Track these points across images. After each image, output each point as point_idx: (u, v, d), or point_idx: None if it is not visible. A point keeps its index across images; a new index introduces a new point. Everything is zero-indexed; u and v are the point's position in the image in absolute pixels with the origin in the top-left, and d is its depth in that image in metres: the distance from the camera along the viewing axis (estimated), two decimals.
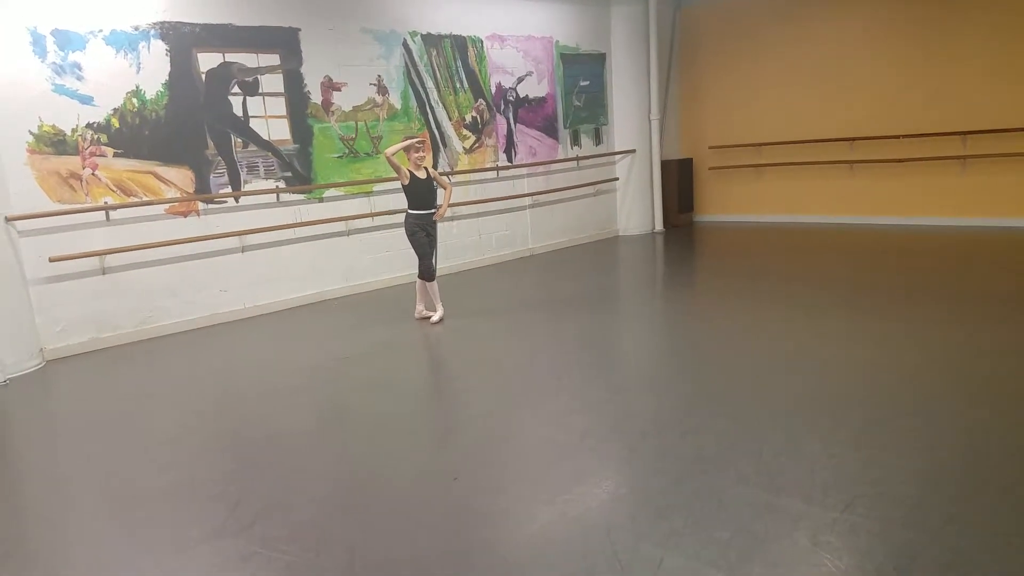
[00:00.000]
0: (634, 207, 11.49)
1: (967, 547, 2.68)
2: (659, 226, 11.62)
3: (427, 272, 6.51)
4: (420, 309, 6.76)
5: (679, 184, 11.83)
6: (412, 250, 6.54)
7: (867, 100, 10.17)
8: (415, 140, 6.38)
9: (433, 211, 6.49)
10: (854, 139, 10.33)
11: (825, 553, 2.69)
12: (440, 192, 6.60)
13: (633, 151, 11.24)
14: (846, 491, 3.12)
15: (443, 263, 8.94)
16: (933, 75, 9.61)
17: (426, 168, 6.48)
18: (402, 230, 8.46)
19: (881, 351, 5.01)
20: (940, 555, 2.64)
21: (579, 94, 10.72)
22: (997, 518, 2.86)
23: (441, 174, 7.90)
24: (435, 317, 6.61)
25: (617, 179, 11.37)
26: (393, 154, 6.21)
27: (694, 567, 2.66)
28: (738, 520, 2.95)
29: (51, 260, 6.11)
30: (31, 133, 6.01)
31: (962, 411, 3.93)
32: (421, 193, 6.39)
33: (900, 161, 10.01)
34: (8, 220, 5.80)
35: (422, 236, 6.45)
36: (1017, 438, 3.55)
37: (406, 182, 6.34)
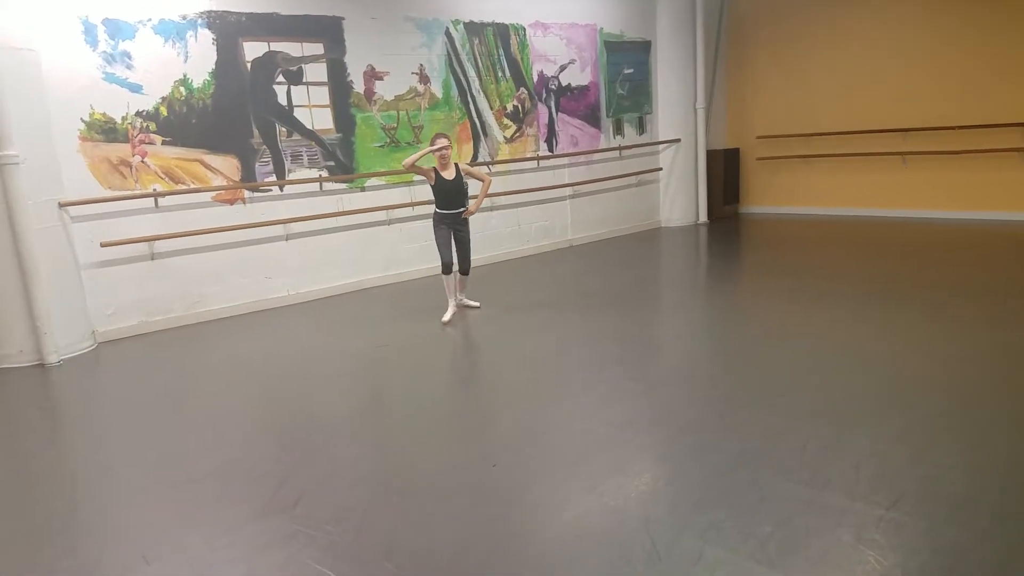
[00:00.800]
0: (677, 198, 11.33)
1: (1016, 546, 2.60)
2: (703, 218, 11.45)
3: (446, 264, 6.37)
4: (460, 299, 6.68)
5: (725, 174, 11.62)
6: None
7: (923, 89, 9.84)
8: (435, 149, 6.10)
9: (461, 210, 6.31)
10: (908, 130, 10.02)
11: (869, 550, 2.62)
12: (474, 186, 6.54)
13: (678, 140, 11.09)
14: (892, 488, 3.04)
15: (481, 253, 8.96)
16: (993, 62, 9.26)
17: (456, 165, 6.28)
18: None
19: (929, 348, 4.88)
20: (988, 554, 2.56)
21: (623, 82, 10.60)
22: None
23: (479, 164, 7.78)
24: (448, 316, 6.39)
25: (660, 169, 11.23)
26: (413, 163, 6.04)
27: (734, 560, 2.61)
28: (780, 515, 2.89)
29: (102, 245, 6.27)
30: (83, 121, 6.15)
31: (1011, 409, 3.81)
32: (447, 192, 6.23)
33: (957, 153, 9.68)
34: (61, 206, 5.96)
35: (444, 231, 6.31)
36: None
37: (432, 183, 6.23)
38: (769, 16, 11.25)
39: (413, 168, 6.09)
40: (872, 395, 4.12)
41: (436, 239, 6.36)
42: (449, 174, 6.22)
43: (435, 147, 6.08)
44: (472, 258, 6.63)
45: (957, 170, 9.79)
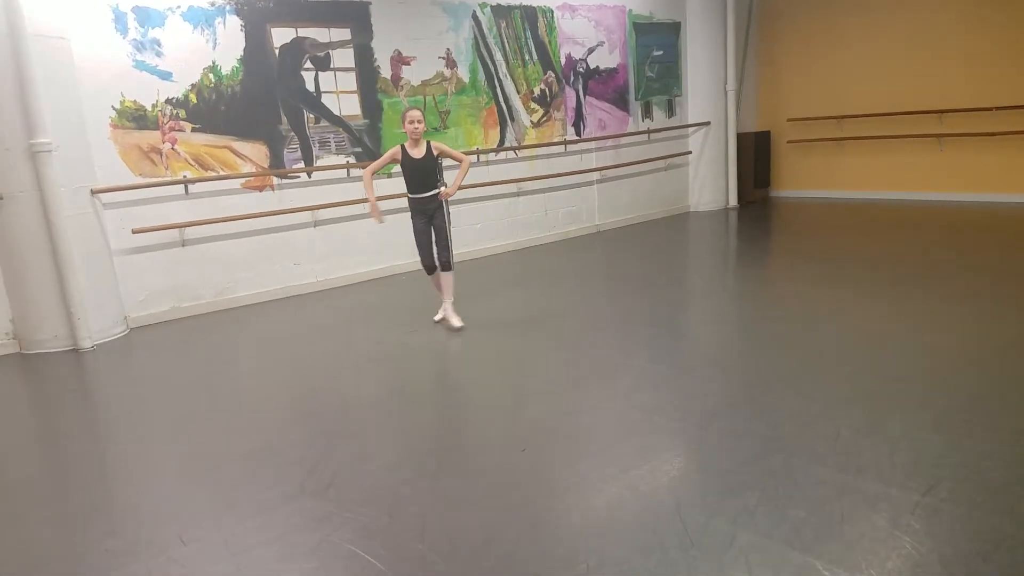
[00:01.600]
0: (707, 182, 11.20)
1: None
2: (733, 202, 11.31)
3: (426, 265, 5.77)
4: (444, 309, 5.87)
5: (755, 158, 11.46)
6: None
7: (958, 70, 9.61)
8: (404, 108, 5.43)
9: (433, 193, 5.56)
10: (944, 111, 9.78)
11: (905, 536, 2.57)
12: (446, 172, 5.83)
13: (708, 123, 10.94)
14: (928, 474, 2.97)
15: (508, 239, 8.93)
16: None
17: (428, 143, 5.56)
18: (466, 207, 8.53)
19: (966, 333, 4.78)
20: None
21: (652, 64, 10.47)
22: None
23: (505, 148, 7.46)
24: (439, 315, 5.90)
25: (690, 153, 11.09)
26: (373, 172, 5.53)
27: (767, 545, 2.57)
28: (813, 500, 2.85)
29: (134, 232, 6.35)
30: (114, 108, 6.22)
31: None
32: (415, 172, 5.52)
33: (993, 135, 9.44)
34: (93, 193, 6.04)
35: (420, 222, 5.61)
36: None
37: (399, 160, 5.52)
38: None
39: (371, 175, 5.52)
40: (906, 380, 4.03)
41: (415, 235, 5.68)
42: (418, 152, 5.48)
43: (405, 121, 5.42)
44: (454, 251, 5.83)
45: (993, 152, 9.57)
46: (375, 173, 5.61)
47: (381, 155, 7.62)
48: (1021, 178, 9.40)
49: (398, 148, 5.55)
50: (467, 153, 8.40)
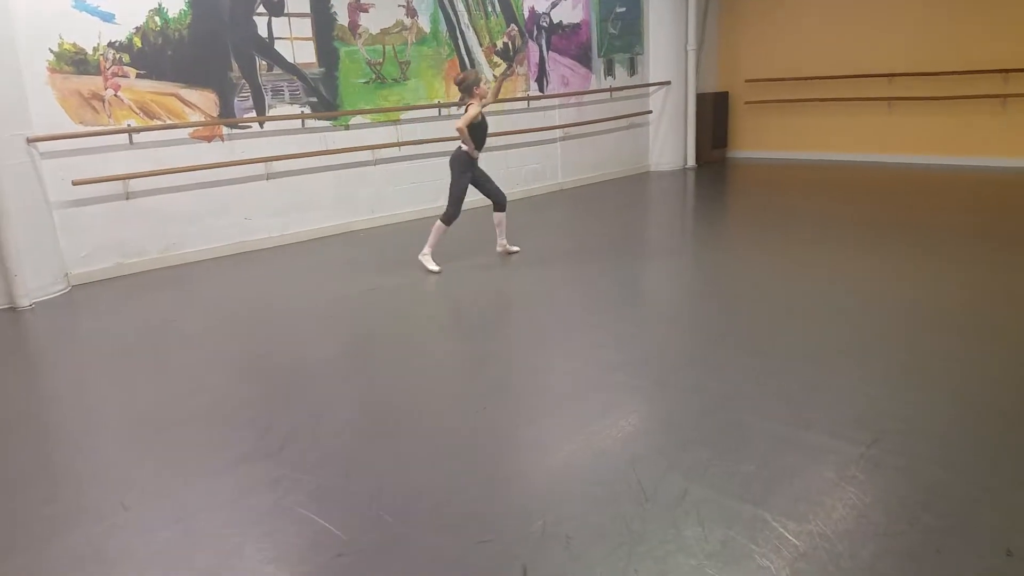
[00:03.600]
0: (667, 142, 11.18)
1: (995, 485, 2.61)
2: (691, 162, 11.32)
3: (453, 218, 6.04)
4: (503, 244, 6.40)
5: (714, 119, 11.48)
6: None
7: (907, 35, 9.80)
8: (473, 75, 5.88)
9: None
10: (892, 75, 9.94)
11: (850, 487, 2.62)
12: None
13: (668, 83, 10.87)
14: (873, 427, 3.04)
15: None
16: (975, 10, 9.20)
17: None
18: (427, 161, 8.38)
19: (913, 290, 4.88)
20: (967, 492, 2.57)
21: (615, 21, 10.33)
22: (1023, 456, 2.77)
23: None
24: (502, 246, 6.39)
25: (651, 112, 11.04)
26: (468, 124, 5.73)
27: (719, 499, 2.60)
28: (764, 454, 2.88)
29: (74, 183, 6.06)
30: (51, 51, 5.90)
31: (995, 351, 3.81)
32: (484, 132, 5.95)
33: (938, 99, 9.63)
34: (30, 141, 5.72)
35: (467, 180, 5.97)
36: None
37: (479, 120, 5.83)
38: None
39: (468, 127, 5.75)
40: (855, 336, 4.12)
41: (459, 192, 5.94)
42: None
43: (484, 82, 5.89)
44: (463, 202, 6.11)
45: (939, 115, 9.80)
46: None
47: (340, 106, 7.52)
48: (963, 141, 9.63)
49: (479, 110, 5.78)
50: (428, 106, 8.28)
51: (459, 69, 8.58)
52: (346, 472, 2.99)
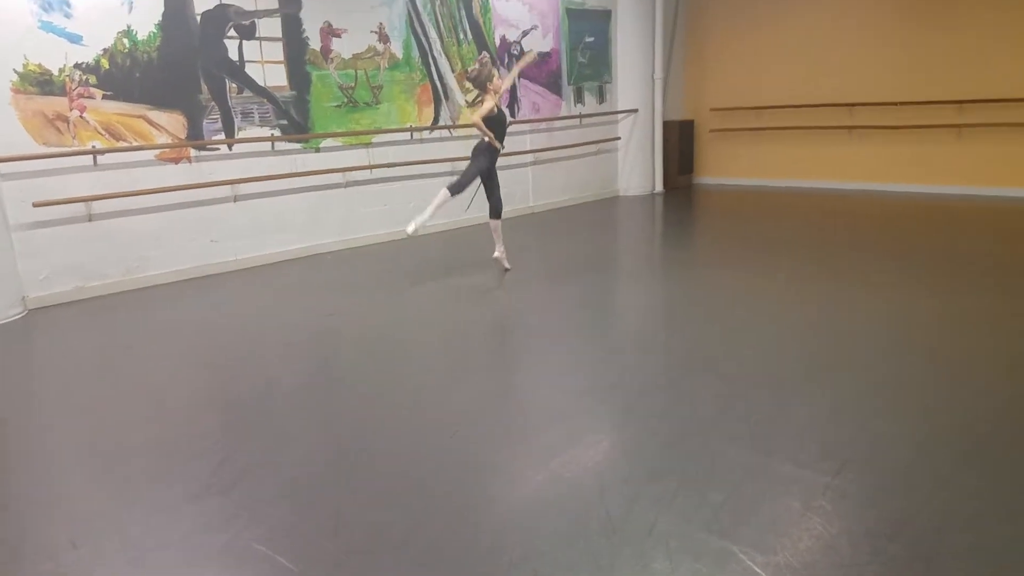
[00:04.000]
0: (635, 167, 11.33)
1: (957, 513, 2.64)
2: (659, 187, 11.48)
3: (460, 190, 6.13)
4: (498, 253, 6.52)
5: (680, 145, 11.68)
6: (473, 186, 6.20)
7: (868, 65, 10.07)
8: (487, 70, 6.05)
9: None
10: (853, 104, 10.20)
11: (816, 517, 2.64)
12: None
13: (635, 111, 11.04)
14: (838, 456, 3.07)
15: (440, 219, 8.78)
16: (931, 43, 9.52)
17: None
18: (398, 184, 8.40)
19: (877, 318, 4.95)
20: (930, 521, 2.60)
21: (584, 50, 10.48)
22: (988, 486, 2.82)
23: (441, 128, 7.69)
24: (499, 253, 6.51)
25: (619, 138, 11.18)
26: (484, 118, 5.96)
27: (687, 530, 2.60)
28: (731, 483, 2.90)
29: (35, 205, 5.92)
30: (15, 72, 5.80)
31: (955, 378, 3.89)
32: (503, 127, 6.15)
33: (897, 128, 9.92)
34: None
35: (487, 166, 6.15)
36: (1010, 406, 3.51)
37: (495, 114, 6.04)
38: None
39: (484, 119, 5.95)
40: (819, 362, 4.17)
41: (476, 171, 6.09)
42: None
43: (497, 77, 6.09)
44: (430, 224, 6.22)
45: (898, 144, 10.08)
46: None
47: (311, 129, 7.50)
48: (921, 169, 9.92)
49: (493, 105, 5.97)
50: (400, 130, 8.30)
51: (431, 95, 8.63)
52: (306, 505, 2.93)
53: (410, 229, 6.00)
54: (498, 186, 6.34)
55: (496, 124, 6.04)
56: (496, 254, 6.49)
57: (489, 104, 5.96)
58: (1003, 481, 2.85)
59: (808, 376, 3.98)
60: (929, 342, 4.46)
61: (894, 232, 7.71)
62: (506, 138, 6.23)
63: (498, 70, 9.18)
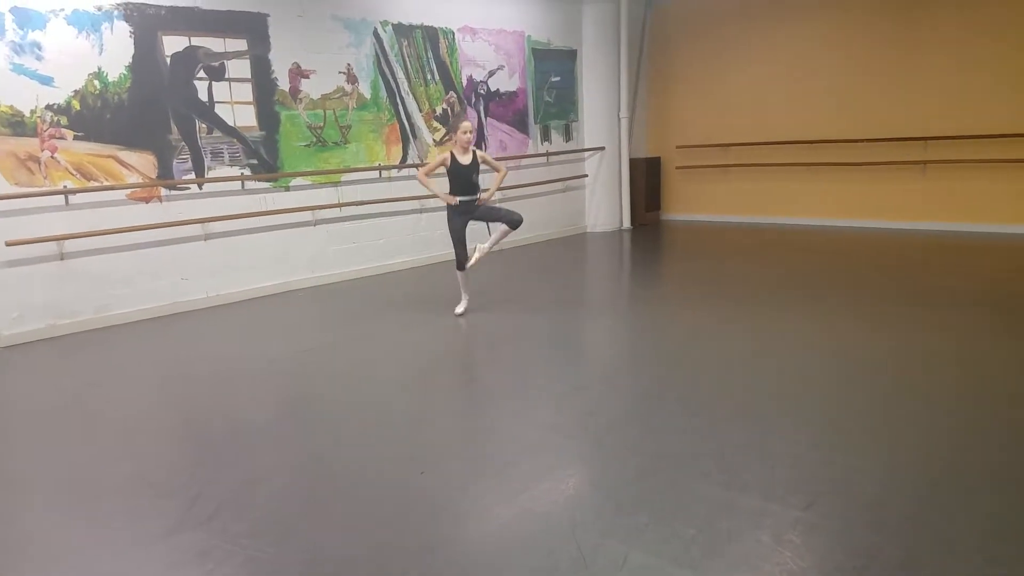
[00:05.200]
0: (602, 204, 11.53)
1: (923, 547, 2.73)
2: (627, 223, 11.68)
3: (460, 262, 6.28)
4: (482, 246, 6.44)
5: (647, 182, 11.89)
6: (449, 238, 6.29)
7: (830, 103, 10.33)
8: (457, 120, 6.14)
9: (474, 198, 6.15)
10: (816, 142, 10.48)
11: (787, 551, 2.72)
12: (485, 175, 6.39)
13: (602, 148, 11.27)
14: (807, 490, 3.15)
15: (408, 255, 8.91)
16: (895, 80, 9.79)
17: (474, 151, 6.15)
18: (368, 222, 8.50)
19: (843, 351, 5.08)
20: (897, 555, 2.68)
21: (550, 90, 10.72)
22: (954, 519, 2.91)
23: (412, 165, 7.75)
24: (459, 308, 6.45)
25: (586, 176, 11.39)
26: (429, 172, 6.12)
27: (658, 564, 2.67)
28: (702, 517, 2.97)
29: (7, 244, 5.93)
30: None
31: (921, 412, 4.00)
32: (463, 178, 6.07)
33: (861, 165, 10.18)
34: None
35: (458, 223, 6.18)
36: (977, 439, 3.63)
37: (447, 167, 6.08)
38: (690, 29, 11.58)
39: (427, 177, 6.08)
40: (785, 397, 4.27)
41: (451, 234, 6.23)
42: (467, 159, 6.08)
43: (459, 130, 6.05)
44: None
45: (862, 181, 10.32)
46: (430, 173, 6.17)
47: (280, 168, 7.57)
48: (885, 205, 10.17)
49: (448, 154, 6.07)
50: (369, 168, 8.40)
51: (399, 134, 8.76)
52: (278, 541, 2.96)
53: (459, 310, 6.37)
54: (495, 213, 6.29)
55: (452, 176, 6.11)
56: (476, 250, 6.41)
57: (440, 156, 6.13)
58: (971, 514, 2.93)
59: (777, 410, 4.07)
60: (895, 376, 4.58)
61: (859, 268, 7.90)
62: (443, 179, 6.23)
63: (464, 109, 9.39)
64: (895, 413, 4.00)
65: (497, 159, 9.81)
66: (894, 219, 10.14)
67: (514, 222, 6.21)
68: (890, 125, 9.85)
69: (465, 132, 6.03)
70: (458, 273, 6.39)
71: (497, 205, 6.35)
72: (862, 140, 10.08)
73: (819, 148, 10.52)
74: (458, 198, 6.09)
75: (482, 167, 6.20)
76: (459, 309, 6.42)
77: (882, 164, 10.05)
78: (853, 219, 10.48)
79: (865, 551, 2.71)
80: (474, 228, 6.39)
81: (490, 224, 6.42)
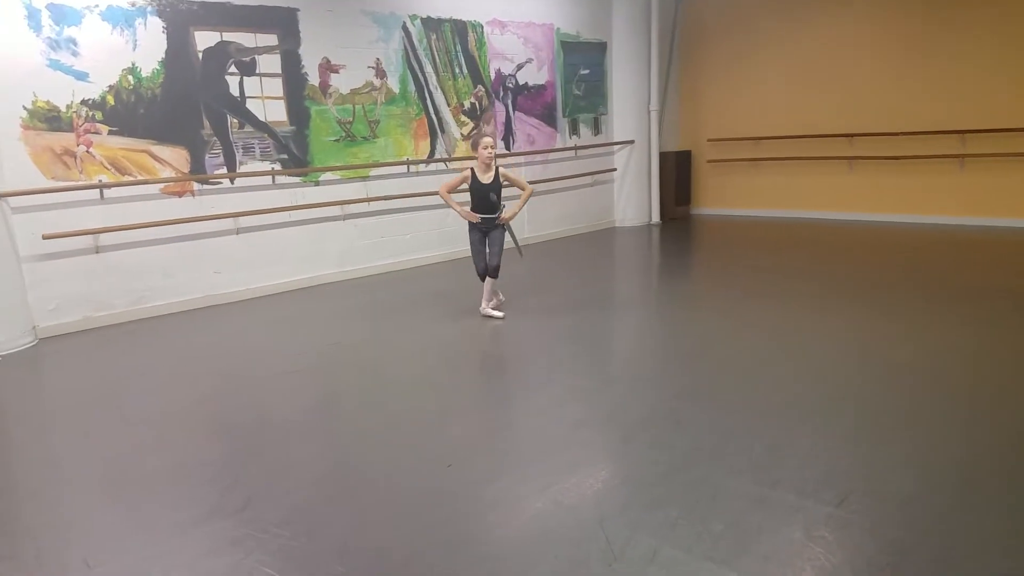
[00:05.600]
0: (631, 198, 11.45)
1: (956, 544, 2.68)
2: (656, 218, 11.59)
3: (479, 273, 6.12)
4: (483, 308, 6.24)
5: (677, 176, 11.79)
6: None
7: (867, 96, 10.14)
8: (478, 135, 5.97)
9: (495, 216, 5.98)
10: (853, 135, 10.29)
11: (818, 547, 2.68)
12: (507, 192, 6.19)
13: (632, 142, 11.19)
14: (840, 486, 3.11)
15: (437, 250, 8.93)
16: (933, 73, 9.59)
17: (498, 168, 5.98)
18: (395, 216, 8.53)
19: (877, 347, 5.01)
20: (931, 552, 2.64)
21: (579, 83, 10.66)
22: (988, 517, 2.85)
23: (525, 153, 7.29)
24: (491, 310, 6.21)
25: (615, 170, 11.33)
26: (449, 190, 5.97)
27: (688, 559, 2.65)
28: (732, 512, 2.94)
29: (44, 237, 6.06)
30: (25, 108, 5.94)
31: (956, 410, 3.93)
32: (482, 197, 5.91)
33: (898, 159, 9.99)
34: (1, 196, 5.73)
35: (476, 236, 6.05)
36: (1011, 437, 3.55)
37: (468, 184, 5.94)
38: (721, 22, 11.45)
39: (449, 193, 5.95)
40: (821, 393, 4.21)
41: (470, 245, 6.14)
42: (488, 177, 5.90)
43: (480, 147, 5.86)
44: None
45: (899, 175, 10.11)
46: (452, 190, 6.00)
47: (310, 163, 7.63)
48: (922, 200, 9.97)
49: (469, 171, 5.91)
50: (397, 163, 8.42)
51: (427, 128, 8.77)
52: (309, 531, 2.99)
53: (495, 313, 6.18)
54: (496, 249, 6.06)
55: (473, 193, 5.97)
56: (482, 308, 6.24)
57: (462, 174, 5.99)
58: (1006, 512, 2.88)
59: (810, 406, 4.02)
60: (932, 372, 4.51)
61: (895, 263, 7.78)
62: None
63: (492, 103, 9.37)
64: (929, 410, 3.93)
65: (526, 152, 9.87)
66: (931, 214, 9.94)
67: (494, 268, 6.08)
68: (927, 118, 9.66)
69: (486, 148, 5.81)
70: (481, 282, 6.22)
71: (508, 233, 6.23)
72: (898, 134, 9.89)
73: (854, 142, 10.35)
74: (479, 216, 5.98)
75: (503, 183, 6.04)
76: (492, 310, 6.21)
77: (918, 158, 9.85)
78: (888, 214, 10.28)
79: (897, 547, 2.67)
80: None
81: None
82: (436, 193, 8.62)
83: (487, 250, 6.07)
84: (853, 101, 10.26)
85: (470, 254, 6.22)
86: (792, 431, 3.70)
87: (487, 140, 5.87)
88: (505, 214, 6.05)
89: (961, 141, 9.50)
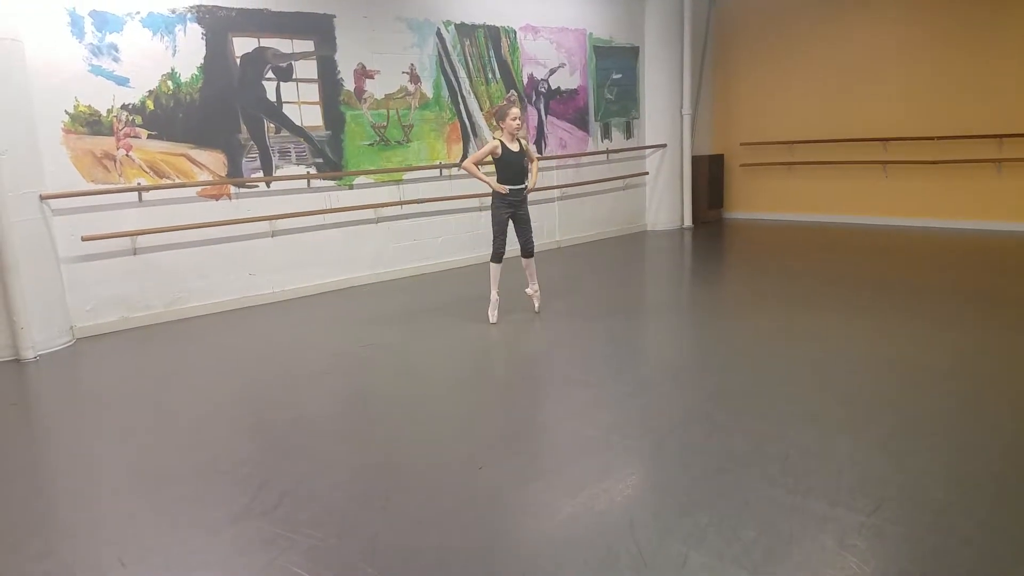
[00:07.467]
0: (663, 202, 11.39)
1: (996, 555, 2.63)
2: (688, 222, 11.52)
3: (496, 254, 6.09)
4: (531, 288, 6.38)
5: (709, 180, 11.71)
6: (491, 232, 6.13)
7: (902, 100, 10.00)
8: (506, 106, 5.90)
9: (523, 186, 5.99)
10: (888, 139, 10.14)
11: (851, 556, 2.64)
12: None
13: (664, 146, 11.14)
14: (874, 494, 3.06)
15: (470, 253, 8.95)
16: (970, 76, 9.44)
17: (520, 140, 5.98)
18: (428, 219, 8.58)
19: (912, 354, 4.92)
20: (967, 562, 2.59)
21: (611, 87, 10.64)
22: None
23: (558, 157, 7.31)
24: (530, 290, 6.38)
25: (647, 173, 11.28)
26: (475, 163, 5.95)
27: (718, 566, 2.62)
28: (764, 520, 2.91)
29: (83, 239, 6.20)
30: (67, 113, 6.08)
31: (992, 418, 3.85)
32: (513, 166, 5.91)
33: (934, 163, 9.82)
34: (42, 198, 5.88)
35: (504, 215, 6.00)
36: None
37: (498, 156, 5.88)
38: (754, 26, 11.35)
39: (475, 166, 5.92)
40: (854, 400, 4.15)
41: (494, 225, 6.06)
42: (515, 147, 5.93)
43: (508, 117, 5.83)
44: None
45: (935, 179, 9.96)
46: (478, 162, 6.01)
47: (344, 167, 7.70)
48: (959, 205, 9.80)
49: (497, 143, 5.89)
50: (429, 167, 8.48)
51: (460, 133, 8.81)
52: (340, 532, 3.01)
53: (492, 319, 6.16)
54: (528, 227, 6.16)
55: (503, 165, 5.93)
56: (528, 290, 6.41)
57: (490, 145, 5.94)
58: None
59: (844, 414, 3.96)
60: (966, 381, 4.42)
61: (931, 269, 7.64)
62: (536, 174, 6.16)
63: (525, 108, 9.39)
64: (965, 418, 3.86)
65: (558, 156, 9.89)
66: (967, 219, 9.77)
67: (531, 249, 6.21)
68: (962, 122, 9.50)
69: (515, 119, 5.82)
70: (492, 266, 6.18)
71: (530, 215, 6.24)
72: (933, 138, 9.73)
73: (888, 146, 10.19)
74: (508, 187, 5.94)
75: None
76: (492, 317, 6.17)
77: (954, 162, 9.68)
78: (923, 218, 10.12)
79: (932, 557, 2.63)
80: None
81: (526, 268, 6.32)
82: (469, 196, 8.76)
83: (519, 235, 6.12)
84: (888, 104, 10.12)
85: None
86: (827, 438, 3.65)
87: (515, 111, 5.85)
88: (529, 183, 6.07)
89: (999, 145, 9.31)
